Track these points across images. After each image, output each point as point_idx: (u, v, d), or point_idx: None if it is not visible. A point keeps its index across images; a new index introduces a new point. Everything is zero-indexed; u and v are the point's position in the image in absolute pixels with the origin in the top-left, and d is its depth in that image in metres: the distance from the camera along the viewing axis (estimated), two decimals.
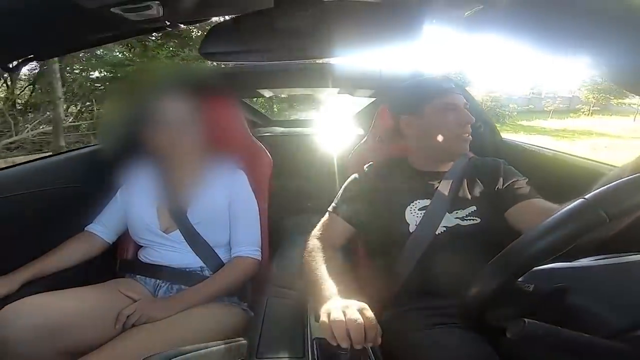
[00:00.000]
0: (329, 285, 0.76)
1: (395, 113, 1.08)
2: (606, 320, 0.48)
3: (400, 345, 0.76)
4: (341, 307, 0.63)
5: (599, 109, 16.96)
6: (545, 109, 18.50)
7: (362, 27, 0.70)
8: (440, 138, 0.98)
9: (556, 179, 1.09)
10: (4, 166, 1.04)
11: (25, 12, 0.60)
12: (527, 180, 0.97)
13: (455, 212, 0.93)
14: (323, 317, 0.63)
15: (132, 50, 7.06)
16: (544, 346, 0.46)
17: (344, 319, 0.60)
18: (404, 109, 1.04)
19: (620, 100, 14.79)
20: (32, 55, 0.75)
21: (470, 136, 0.98)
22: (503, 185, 0.97)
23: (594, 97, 16.25)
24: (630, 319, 0.47)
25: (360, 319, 0.60)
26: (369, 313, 0.62)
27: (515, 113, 17.53)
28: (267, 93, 2.24)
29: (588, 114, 16.53)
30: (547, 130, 14.21)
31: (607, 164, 1.04)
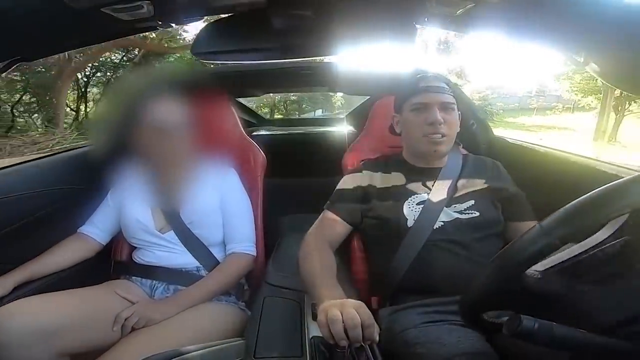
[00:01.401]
0: (325, 283, 0.77)
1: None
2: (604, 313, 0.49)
3: (398, 342, 0.77)
4: (338, 306, 0.63)
5: (570, 106, 17.55)
6: (530, 106, 19.04)
7: (356, 26, 0.70)
8: (412, 139, 1.01)
9: (548, 174, 1.11)
10: None
11: (12, 12, 0.59)
12: (523, 196, 1.00)
13: (454, 206, 0.94)
14: (320, 316, 0.63)
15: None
16: (540, 342, 0.47)
17: (341, 318, 0.60)
18: (394, 107, 1.08)
19: (584, 99, 15.25)
20: (19, 57, 0.74)
21: (443, 137, 0.96)
22: (508, 193, 0.99)
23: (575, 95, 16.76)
24: (624, 313, 0.48)
25: (358, 318, 0.60)
26: (366, 311, 0.63)
27: (502, 111, 18.20)
28: (260, 93, 2.23)
29: (561, 111, 17.12)
30: (524, 126, 15.64)
31: (598, 160, 1.06)
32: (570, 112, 17.40)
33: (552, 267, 0.54)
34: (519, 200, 1.00)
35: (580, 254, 0.52)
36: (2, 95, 8.95)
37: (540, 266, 0.53)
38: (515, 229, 0.96)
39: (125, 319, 0.87)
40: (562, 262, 0.54)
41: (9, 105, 9.00)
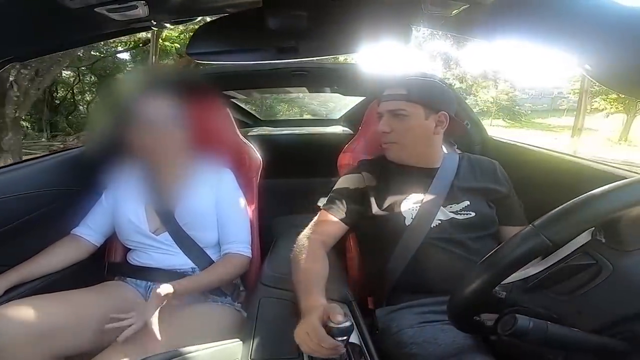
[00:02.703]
0: (309, 292, 0.75)
1: None
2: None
3: (395, 343, 0.77)
4: (301, 338, 0.63)
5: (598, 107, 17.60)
6: (560, 107, 19.05)
7: (351, 27, 0.70)
8: None
9: (541, 174, 1.12)
10: None
11: (5, 12, 0.58)
12: (516, 199, 1.02)
13: (449, 206, 0.95)
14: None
15: None
16: (535, 341, 0.47)
17: (310, 348, 0.61)
18: None
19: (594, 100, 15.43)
20: (13, 56, 0.73)
21: (392, 144, 1.02)
22: (502, 195, 1.00)
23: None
24: (615, 314, 0.49)
25: (312, 342, 0.61)
26: (316, 331, 0.61)
27: (530, 112, 18.44)
28: (256, 93, 2.23)
29: (589, 112, 17.05)
30: (549, 127, 15.94)
31: (590, 160, 1.07)
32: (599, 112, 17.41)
33: (518, 280, 0.56)
34: (512, 203, 1.01)
35: (546, 268, 0.55)
36: (76, 97, 10.61)
37: (506, 281, 0.56)
38: (505, 233, 0.98)
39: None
40: (529, 276, 0.56)
41: (82, 105, 10.69)
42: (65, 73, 10.06)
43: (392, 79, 1.05)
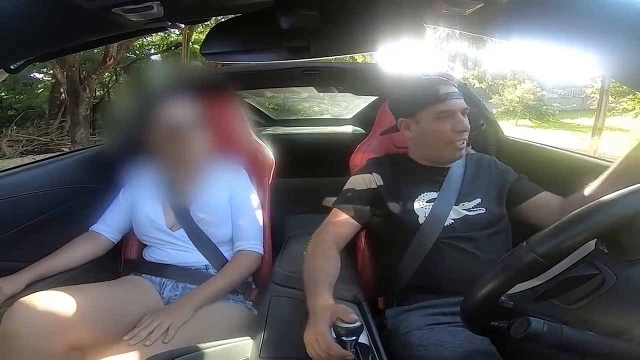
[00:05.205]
0: (317, 292, 0.76)
1: (394, 113, 1.07)
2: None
3: (402, 344, 0.77)
4: (309, 342, 0.64)
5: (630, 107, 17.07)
6: (590, 107, 18.68)
7: (364, 26, 0.70)
8: (433, 145, 0.98)
9: (556, 174, 1.09)
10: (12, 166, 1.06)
11: (26, 13, 0.60)
12: (525, 177, 1.03)
13: (462, 204, 0.95)
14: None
15: None
16: (548, 345, 0.47)
17: (317, 354, 0.62)
18: (401, 111, 1.03)
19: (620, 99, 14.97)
20: (33, 57, 0.75)
21: (464, 143, 0.96)
22: (510, 183, 1.00)
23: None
24: (620, 323, 0.48)
25: (321, 350, 0.61)
26: (324, 340, 0.62)
27: (558, 112, 18.46)
28: (269, 93, 2.24)
29: (621, 113, 16.53)
30: (577, 127, 15.99)
31: (607, 159, 1.05)
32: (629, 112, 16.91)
33: (526, 290, 0.57)
34: (522, 181, 1.02)
35: (552, 278, 0.55)
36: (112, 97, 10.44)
37: (513, 291, 0.56)
38: (534, 206, 0.97)
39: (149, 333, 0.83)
40: (535, 286, 0.56)
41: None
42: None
43: (442, 80, 0.99)
